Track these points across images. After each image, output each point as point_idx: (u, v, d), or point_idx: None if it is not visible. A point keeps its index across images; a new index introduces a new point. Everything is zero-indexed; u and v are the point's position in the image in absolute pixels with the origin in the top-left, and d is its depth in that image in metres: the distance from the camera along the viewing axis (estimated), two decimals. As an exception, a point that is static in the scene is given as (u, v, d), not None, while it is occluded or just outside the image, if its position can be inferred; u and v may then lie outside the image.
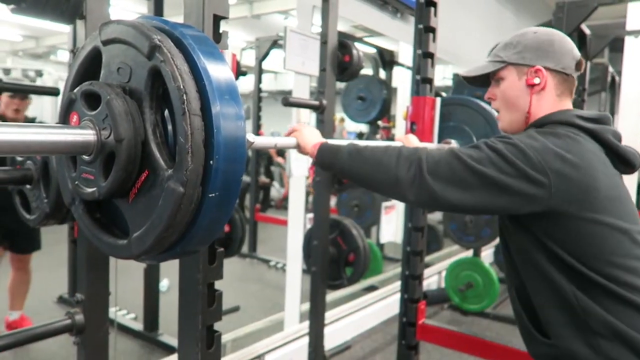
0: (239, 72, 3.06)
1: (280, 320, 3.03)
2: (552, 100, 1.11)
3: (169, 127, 0.80)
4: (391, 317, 3.60)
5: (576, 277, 0.99)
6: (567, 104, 1.13)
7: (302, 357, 2.46)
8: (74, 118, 0.82)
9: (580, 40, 4.23)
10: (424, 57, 1.95)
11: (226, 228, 2.68)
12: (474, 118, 2.08)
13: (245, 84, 5.50)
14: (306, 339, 2.23)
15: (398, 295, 2.18)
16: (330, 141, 1.21)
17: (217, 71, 0.77)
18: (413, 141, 1.70)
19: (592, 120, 1.06)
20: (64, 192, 0.92)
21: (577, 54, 1.12)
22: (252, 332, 2.97)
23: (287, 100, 1.99)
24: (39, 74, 6.80)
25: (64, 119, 0.84)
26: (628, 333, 0.96)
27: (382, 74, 4.69)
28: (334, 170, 1.16)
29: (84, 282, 1.33)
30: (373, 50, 4.82)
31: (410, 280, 2.11)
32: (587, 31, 4.15)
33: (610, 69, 5.73)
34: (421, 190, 0.99)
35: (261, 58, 5.14)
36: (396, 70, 4.90)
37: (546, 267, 1.01)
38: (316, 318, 2.19)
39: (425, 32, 1.95)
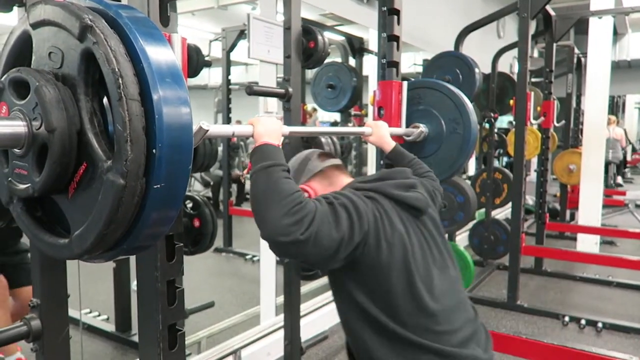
0: (204, 62, 2.97)
1: (257, 314, 2.98)
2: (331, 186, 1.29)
3: (111, 116, 0.74)
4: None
5: (372, 323, 1.12)
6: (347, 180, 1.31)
7: (279, 351, 2.43)
8: (3, 109, 0.76)
9: (546, 21, 4.27)
10: (389, 41, 1.91)
11: (196, 223, 2.60)
12: (443, 101, 2.04)
13: (216, 77, 5.38)
14: (283, 332, 2.20)
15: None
16: (293, 128, 1.15)
17: (157, 53, 0.72)
18: (382, 128, 1.66)
19: (370, 181, 1.22)
20: (0, 191, 0.85)
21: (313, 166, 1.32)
22: (227, 328, 2.92)
23: (251, 88, 1.92)
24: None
25: (-7, 111, 0.77)
26: None
27: (353, 62, 4.64)
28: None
29: (38, 286, 1.25)
30: (342, 38, 4.76)
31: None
32: (553, 13, 4.18)
33: (576, 51, 5.81)
34: (293, 245, 0.97)
35: (228, 49, 5.03)
36: (367, 57, 4.85)
37: (352, 314, 1.15)
38: (291, 310, 2.15)
39: (389, 15, 1.90)
